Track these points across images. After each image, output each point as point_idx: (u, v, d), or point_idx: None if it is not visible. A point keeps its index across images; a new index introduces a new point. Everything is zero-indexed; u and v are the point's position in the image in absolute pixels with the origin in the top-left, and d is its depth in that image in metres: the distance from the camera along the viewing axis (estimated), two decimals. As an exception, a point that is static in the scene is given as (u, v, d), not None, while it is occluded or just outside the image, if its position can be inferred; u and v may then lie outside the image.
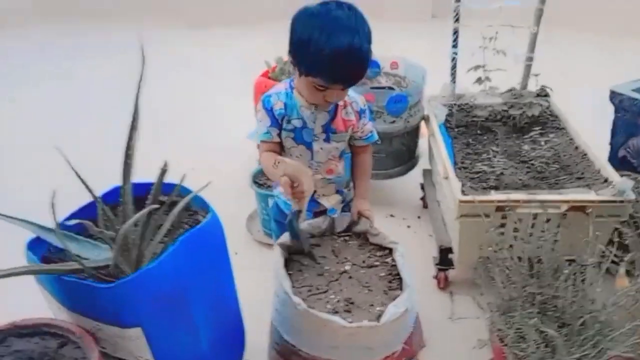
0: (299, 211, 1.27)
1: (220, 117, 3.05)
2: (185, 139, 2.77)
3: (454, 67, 1.97)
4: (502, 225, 1.55)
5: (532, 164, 1.74)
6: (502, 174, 1.70)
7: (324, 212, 1.46)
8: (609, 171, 1.65)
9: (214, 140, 2.73)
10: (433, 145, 1.95)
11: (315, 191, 1.40)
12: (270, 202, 1.70)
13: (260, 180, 2.06)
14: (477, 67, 1.93)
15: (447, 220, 1.80)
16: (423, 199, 2.20)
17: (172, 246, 1.05)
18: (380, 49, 1.44)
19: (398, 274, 1.36)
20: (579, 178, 1.66)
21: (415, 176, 2.26)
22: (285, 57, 2.28)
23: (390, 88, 2.06)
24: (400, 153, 2.13)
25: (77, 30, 4.66)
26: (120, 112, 1.26)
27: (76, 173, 1.06)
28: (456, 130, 1.94)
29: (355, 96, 1.42)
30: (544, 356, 1.17)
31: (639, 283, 1.29)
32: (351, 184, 1.52)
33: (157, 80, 2.93)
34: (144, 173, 1.22)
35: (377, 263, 1.41)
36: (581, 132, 1.87)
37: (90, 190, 1.09)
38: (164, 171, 1.09)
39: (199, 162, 2.30)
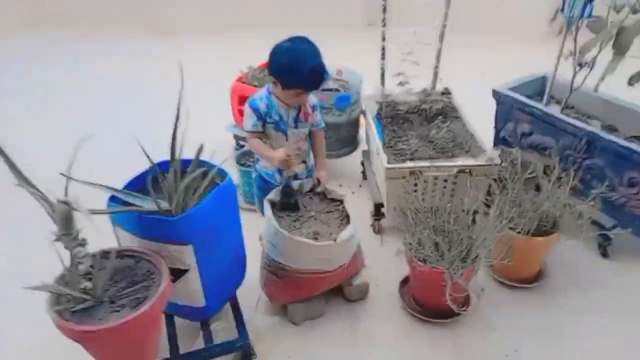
0: (290, 176, 2.00)
1: (203, 114, 3.65)
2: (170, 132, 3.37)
3: (382, 75, 2.68)
4: (416, 185, 2.28)
5: (437, 143, 2.47)
6: (416, 150, 2.42)
7: (295, 176, 2.13)
8: (487, 146, 2.42)
9: (198, 133, 3.34)
10: (369, 131, 2.66)
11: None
12: (254, 175, 2.35)
13: (241, 161, 2.71)
14: (398, 74, 2.64)
15: (379, 184, 2.52)
16: (363, 172, 2.93)
17: (209, 195, 1.70)
18: (325, 58, 1.95)
19: (346, 217, 2.07)
20: (467, 151, 2.40)
21: (356, 156, 2.98)
22: (255, 64, 2.96)
23: (337, 90, 2.76)
24: (345, 139, 2.85)
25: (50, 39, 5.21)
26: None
27: (142, 148, 1.69)
28: (385, 120, 2.65)
29: (310, 96, 2.10)
30: (436, 258, 1.90)
31: (500, 216, 2.05)
32: (311, 156, 2.21)
33: (147, 84, 3.58)
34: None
35: (332, 210, 2.10)
36: (472, 120, 2.62)
37: (150, 160, 1.72)
38: (200, 149, 1.74)
39: (188, 149, 2.92)
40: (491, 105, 2.70)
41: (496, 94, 2.67)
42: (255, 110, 2.00)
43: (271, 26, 4.86)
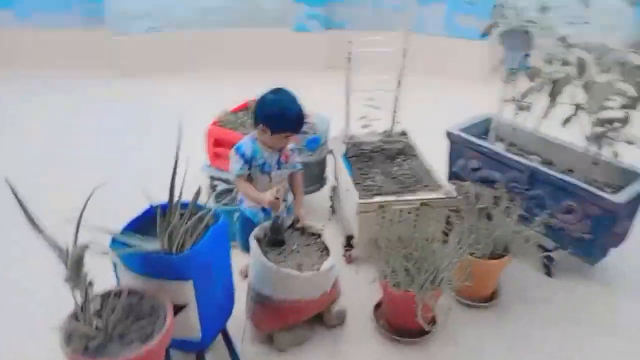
0: (277, 216, 2.18)
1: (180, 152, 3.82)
2: (150, 171, 3.51)
3: (347, 118, 2.96)
4: (383, 217, 2.53)
5: (399, 179, 2.74)
6: (381, 186, 2.68)
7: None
8: (443, 181, 2.72)
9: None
10: (337, 170, 2.92)
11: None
12: (236, 215, 2.54)
13: (218, 199, 2.90)
14: (362, 118, 2.93)
15: (349, 217, 2.75)
16: (332, 206, 3.17)
17: (206, 234, 1.89)
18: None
19: (325, 249, 2.29)
20: (426, 186, 2.68)
21: (325, 192, 3.22)
22: (228, 108, 3.18)
23: (306, 132, 3.01)
24: (315, 176, 3.09)
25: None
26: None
27: (145, 193, 1.86)
28: (351, 159, 2.92)
29: None
30: (407, 282, 2.14)
31: (459, 244, 2.32)
32: (290, 195, 2.43)
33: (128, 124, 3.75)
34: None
35: (312, 243, 2.32)
36: (428, 158, 2.92)
37: (153, 206, 1.89)
38: (198, 193, 1.93)
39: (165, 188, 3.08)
40: (444, 144, 3.01)
41: (449, 135, 2.99)
42: (242, 155, 2.22)
43: (236, 69, 5.18)
